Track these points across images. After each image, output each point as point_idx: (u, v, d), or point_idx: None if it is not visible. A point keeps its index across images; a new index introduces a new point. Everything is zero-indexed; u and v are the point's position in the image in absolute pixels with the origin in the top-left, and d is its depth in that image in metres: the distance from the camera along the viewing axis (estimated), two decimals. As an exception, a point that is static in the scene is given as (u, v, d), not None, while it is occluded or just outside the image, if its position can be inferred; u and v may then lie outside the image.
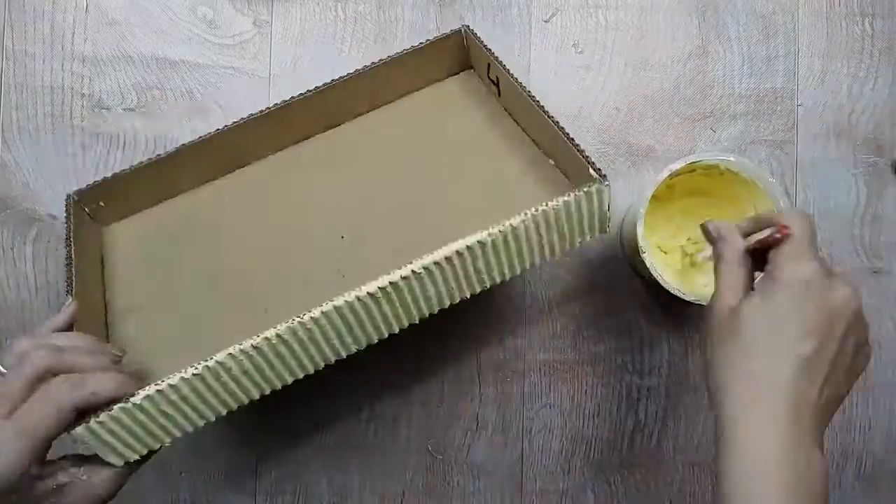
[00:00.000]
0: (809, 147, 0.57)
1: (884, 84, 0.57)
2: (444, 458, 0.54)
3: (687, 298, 0.47)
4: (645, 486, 0.54)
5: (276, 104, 0.47)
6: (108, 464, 0.36)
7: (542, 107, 0.44)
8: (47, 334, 0.37)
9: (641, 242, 0.46)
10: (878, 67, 0.58)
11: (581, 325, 0.55)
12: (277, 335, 0.35)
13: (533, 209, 0.38)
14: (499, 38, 0.56)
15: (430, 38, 0.50)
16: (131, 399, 0.34)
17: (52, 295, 0.52)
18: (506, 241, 0.38)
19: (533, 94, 0.45)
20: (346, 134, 0.52)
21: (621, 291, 0.55)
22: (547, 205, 0.38)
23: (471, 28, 0.51)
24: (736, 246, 0.38)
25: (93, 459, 0.36)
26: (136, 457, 0.37)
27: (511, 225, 0.38)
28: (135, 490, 0.40)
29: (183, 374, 0.35)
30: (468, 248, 0.37)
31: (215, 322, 0.43)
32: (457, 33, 0.50)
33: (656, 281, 0.47)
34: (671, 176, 0.47)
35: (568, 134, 0.42)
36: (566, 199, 0.38)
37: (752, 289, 0.36)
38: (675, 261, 0.54)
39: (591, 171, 0.39)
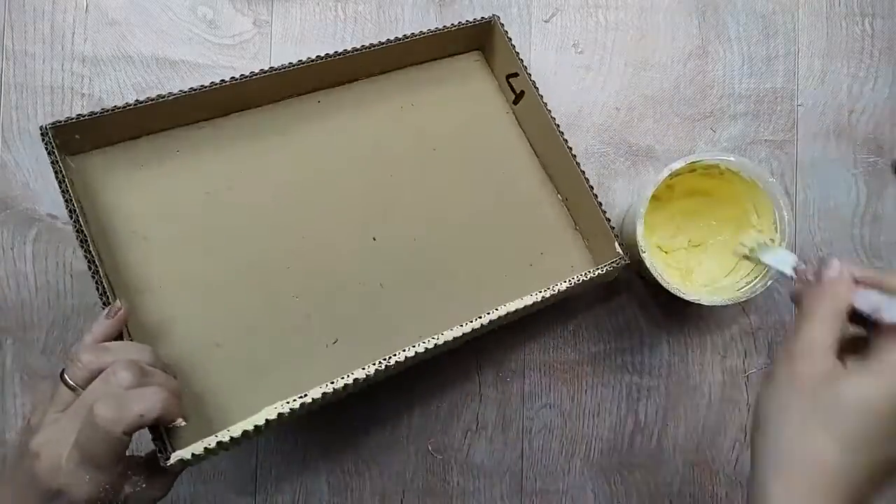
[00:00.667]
0: (809, 147, 0.57)
1: (884, 84, 0.57)
2: (444, 458, 0.54)
3: (687, 298, 0.47)
4: (645, 486, 0.54)
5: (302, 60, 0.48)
6: (165, 469, 0.36)
7: (575, 157, 0.49)
8: (111, 348, 0.36)
9: (641, 242, 0.46)
10: (878, 67, 0.58)
11: (581, 325, 0.55)
12: (367, 375, 0.39)
13: (576, 277, 0.45)
14: (499, 38, 0.56)
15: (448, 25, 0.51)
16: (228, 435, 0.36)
17: (51, 295, 0.52)
18: (545, 299, 0.44)
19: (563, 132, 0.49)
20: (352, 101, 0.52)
21: (621, 291, 0.56)
22: (587, 274, 0.46)
23: (503, 25, 0.52)
24: (844, 297, 0.32)
25: (150, 466, 0.37)
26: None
27: (559, 289, 0.44)
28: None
29: (278, 408, 0.37)
30: (517, 309, 0.43)
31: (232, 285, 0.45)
32: (486, 23, 0.52)
33: (656, 281, 0.47)
34: (671, 176, 0.47)
35: (596, 196, 0.48)
36: (601, 271, 0.46)
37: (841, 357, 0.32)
38: (675, 260, 0.54)
39: (617, 246, 0.47)
